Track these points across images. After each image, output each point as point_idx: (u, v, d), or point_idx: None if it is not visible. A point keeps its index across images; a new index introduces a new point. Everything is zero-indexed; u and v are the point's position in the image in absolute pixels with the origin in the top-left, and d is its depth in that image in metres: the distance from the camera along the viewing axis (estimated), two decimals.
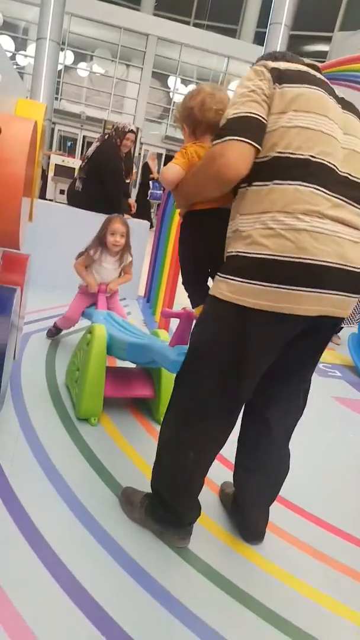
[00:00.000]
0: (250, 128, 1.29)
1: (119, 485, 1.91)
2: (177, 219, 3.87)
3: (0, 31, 15.27)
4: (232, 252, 1.36)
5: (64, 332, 3.36)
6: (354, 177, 1.32)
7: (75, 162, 9.96)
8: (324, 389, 3.67)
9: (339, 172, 1.29)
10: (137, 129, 5.89)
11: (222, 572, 1.61)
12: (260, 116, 1.30)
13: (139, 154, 16.53)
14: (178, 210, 1.70)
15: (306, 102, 1.29)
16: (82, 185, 4.44)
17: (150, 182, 9.67)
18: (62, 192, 8.46)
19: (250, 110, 1.29)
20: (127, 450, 2.21)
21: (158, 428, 2.37)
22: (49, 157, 10.39)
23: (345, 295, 1.32)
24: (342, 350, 4.69)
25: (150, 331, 2.59)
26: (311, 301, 1.28)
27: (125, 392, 2.52)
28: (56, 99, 15.66)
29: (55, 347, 3.23)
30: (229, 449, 1.67)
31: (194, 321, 1.66)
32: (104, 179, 4.29)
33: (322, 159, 1.27)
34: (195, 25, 19.47)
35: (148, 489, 1.73)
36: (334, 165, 1.29)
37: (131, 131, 4.42)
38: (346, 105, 1.41)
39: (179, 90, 18.51)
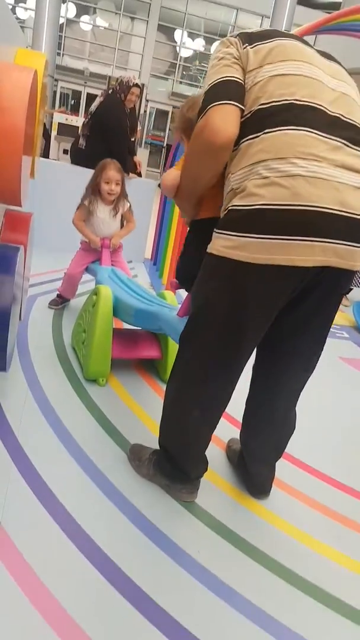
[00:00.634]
0: (227, 90, 1.27)
1: (127, 443, 1.93)
2: None
3: None
4: (227, 208, 1.31)
5: None
6: (347, 118, 1.26)
7: (79, 120, 9.73)
8: (331, 349, 3.64)
9: (329, 113, 1.24)
10: (143, 84, 5.72)
11: (228, 525, 1.64)
12: (234, 77, 1.29)
13: (145, 111, 16.13)
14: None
15: (282, 52, 1.28)
16: (86, 142, 4.34)
17: None
18: (65, 151, 8.29)
19: (223, 75, 1.29)
20: (135, 409, 2.22)
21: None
22: (51, 116, 10.15)
23: (350, 245, 1.24)
24: (351, 312, 4.65)
25: (157, 293, 2.57)
26: (311, 251, 1.21)
27: (132, 354, 2.52)
28: (58, 54, 15.19)
29: (62, 309, 3.22)
30: (236, 407, 1.67)
31: None
32: (108, 136, 4.17)
33: (307, 101, 1.22)
34: None
35: (156, 446, 1.75)
36: (322, 107, 1.23)
37: (136, 85, 4.28)
38: (329, 56, 1.40)
39: (186, 45, 17.89)
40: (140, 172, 5.04)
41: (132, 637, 1.21)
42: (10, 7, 15.81)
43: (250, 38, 1.33)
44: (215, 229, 1.36)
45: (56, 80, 15.01)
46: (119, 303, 2.34)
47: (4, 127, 1.58)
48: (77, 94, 16.60)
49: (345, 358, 3.53)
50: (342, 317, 4.58)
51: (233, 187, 1.30)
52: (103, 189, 2.82)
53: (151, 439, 1.88)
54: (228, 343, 1.42)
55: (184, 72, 18.25)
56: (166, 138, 17.04)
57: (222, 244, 1.31)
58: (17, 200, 1.81)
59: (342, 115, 1.25)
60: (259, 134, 1.24)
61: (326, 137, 1.21)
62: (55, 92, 15.50)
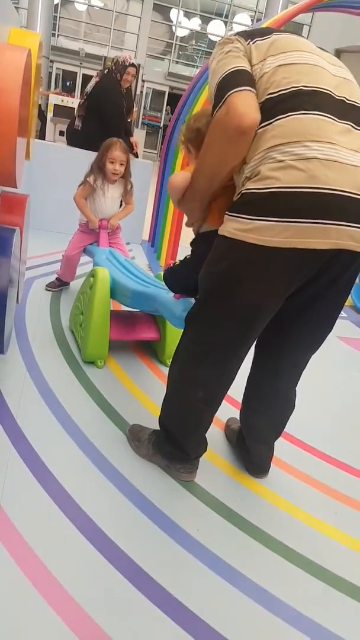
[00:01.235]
0: (242, 78, 1.27)
1: (126, 424, 1.94)
2: (181, 158, 3.75)
3: None
4: (241, 191, 1.30)
5: None
6: (351, 100, 1.28)
7: (75, 102, 9.60)
8: None
9: (335, 97, 1.25)
10: (139, 65, 5.63)
11: (227, 503, 1.66)
12: (245, 67, 1.30)
13: (141, 92, 15.93)
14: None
15: (282, 44, 1.32)
16: (82, 123, 4.29)
17: None
18: (61, 133, 8.19)
19: (235, 65, 1.29)
20: (134, 391, 2.23)
21: (164, 369, 2.39)
22: (47, 98, 10.01)
23: None
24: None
25: (155, 274, 2.56)
26: (327, 234, 1.20)
27: (130, 335, 2.52)
28: (53, 35, 14.95)
29: (59, 292, 3.21)
30: (235, 387, 1.67)
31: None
32: (104, 116, 4.13)
33: (314, 86, 1.24)
34: None
35: (155, 427, 1.75)
36: (329, 91, 1.25)
37: (132, 65, 4.22)
38: (321, 48, 1.43)
39: (182, 24, 17.59)
40: (136, 152, 5.00)
41: (132, 615, 1.23)
42: None
43: (250, 35, 1.37)
44: (227, 212, 1.34)
45: (51, 61, 14.78)
46: (116, 285, 2.34)
47: None
48: (72, 75, 16.37)
49: (343, 337, 3.54)
50: None
51: (247, 175, 1.29)
52: (107, 168, 2.79)
53: (150, 420, 1.89)
54: (237, 325, 1.42)
55: (180, 52, 17.96)
56: (162, 119, 16.85)
57: (234, 226, 1.29)
58: (12, 181, 1.79)
59: (346, 98, 1.27)
60: (270, 122, 1.24)
61: (336, 120, 1.21)
62: (50, 74, 15.28)
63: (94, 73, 4.64)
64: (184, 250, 1.80)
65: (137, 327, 2.52)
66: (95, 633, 1.16)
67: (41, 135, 8.69)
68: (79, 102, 4.41)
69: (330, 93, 1.25)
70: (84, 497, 1.54)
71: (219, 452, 1.90)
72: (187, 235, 1.81)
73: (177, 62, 17.82)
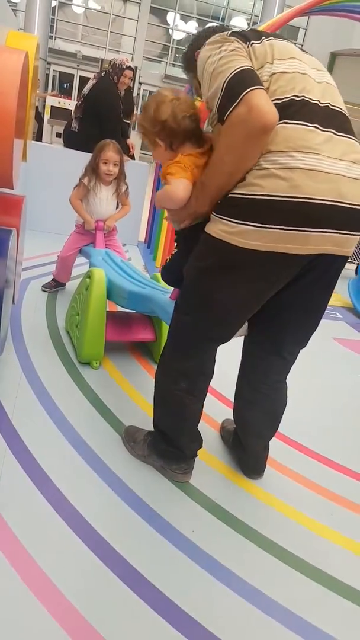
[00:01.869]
0: (255, 78, 1.25)
1: (122, 425, 1.94)
2: None
3: None
4: (227, 194, 1.33)
5: None
6: (334, 106, 1.32)
7: (72, 104, 9.61)
8: (325, 330, 3.65)
9: (321, 105, 1.29)
10: (135, 67, 5.65)
11: (223, 505, 1.66)
12: (255, 69, 1.29)
13: (138, 94, 15.95)
14: None
15: (277, 51, 1.33)
16: (79, 125, 4.30)
17: None
18: (58, 135, 8.21)
19: (246, 65, 1.27)
20: (130, 392, 2.23)
21: None
22: (44, 100, 10.03)
23: (347, 234, 1.29)
24: (344, 293, 4.68)
25: (151, 275, 2.56)
26: (309, 240, 1.25)
27: (126, 336, 2.52)
28: (50, 37, 14.95)
29: (55, 292, 3.21)
30: (229, 387, 1.68)
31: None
32: (101, 118, 4.14)
33: (304, 96, 1.27)
34: None
35: (151, 428, 1.76)
36: (315, 100, 1.28)
37: (129, 68, 4.23)
38: (301, 48, 1.44)
39: (179, 27, 17.64)
40: (133, 154, 5.01)
41: (127, 617, 1.22)
42: None
43: (245, 37, 1.35)
44: (213, 212, 1.37)
45: (49, 63, 14.79)
46: (112, 286, 2.34)
47: None
48: (69, 77, 16.38)
49: (339, 338, 3.56)
50: (335, 297, 4.60)
51: None
52: (101, 169, 2.81)
53: (145, 421, 1.89)
54: (215, 320, 1.48)
55: (177, 55, 17.98)
56: None
57: (221, 227, 1.33)
58: (9, 182, 1.80)
59: (330, 104, 1.31)
60: None
61: (320, 129, 1.24)
62: (47, 76, 15.28)
63: (91, 75, 4.65)
64: None
65: (133, 328, 2.52)
66: (88, 633, 1.15)
67: (37, 137, 8.69)
68: (76, 104, 4.42)
69: (316, 102, 1.28)
70: (79, 498, 1.54)
71: (214, 453, 1.91)
72: None
73: (173, 65, 17.84)
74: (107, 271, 2.42)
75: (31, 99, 2.19)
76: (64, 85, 16.49)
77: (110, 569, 1.33)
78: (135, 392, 2.23)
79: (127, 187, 2.98)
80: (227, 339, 1.55)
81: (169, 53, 17.85)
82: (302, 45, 16.27)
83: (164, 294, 2.09)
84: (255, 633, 1.26)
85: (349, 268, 4.60)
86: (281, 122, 1.22)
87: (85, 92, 4.21)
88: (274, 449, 1.83)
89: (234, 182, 1.32)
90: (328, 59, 16.40)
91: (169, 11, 17.42)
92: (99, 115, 4.15)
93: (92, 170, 2.84)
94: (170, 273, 1.72)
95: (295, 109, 1.24)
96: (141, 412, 2.07)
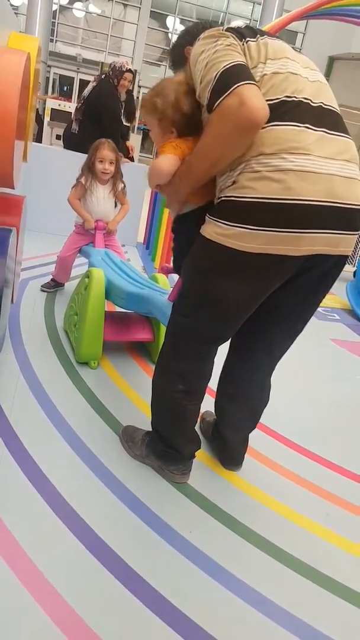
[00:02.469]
0: (247, 73, 1.25)
1: (120, 425, 1.94)
2: None
3: None
4: (221, 197, 1.33)
5: None
6: (327, 105, 1.31)
7: (72, 106, 9.64)
8: (322, 331, 3.70)
9: (313, 104, 1.28)
10: (135, 71, 5.65)
11: (221, 505, 1.66)
12: (249, 66, 1.28)
13: (137, 97, 15.98)
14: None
15: (271, 50, 1.32)
16: (79, 126, 4.32)
17: None
18: (58, 137, 8.22)
19: (238, 60, 1.26)
20: (128, 392, 2.23)
21: None
22: (44, 102, 10.05)
23: (340, 233, 1.29)
24: (342, 294, 4.70)
25: (150, 276, 2.58)
26: (302, 242, 1.26)
27: (124, 336, 2.53)
28: (51, 40, 15.00)
29: (54, 292, 3.22)
30: (213, 378, 1.69)
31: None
32: (101, 120, 4.16)
33: (296, 96, 1.26)
34: None
35: (149, 428, 1.76)
36: (308, 100, 1.28)
37: (129, 70, 4.25)
38: (295, 49, 1.43)
39: (178, 31, 17.69)
40: (132, 156, 5.02)
41: (124, 617, 1.23)
42: None
43: (240, 34, 1.34)
44: (208, 214, 1.38)
45: (49, 66, 14.83)
46: (111, 286, 2.35)
47: None
48: (69, 80, 16.42)
49: (336, 340, 3.58)
50: (333, 299, 4.63)
51: (227, 184, 1.31)
52: (97, 168, 2.83)
53: (143, 421, 1.90)
54: (213, 321, 1.48)
55: None
56: None
57: (215, 230, 1.33)
58: (10, 182, 1.81)
59: (323, 104, 1.30)
60: None
61: (312, 129, 1.24)
62: (48, 79, 15.33)
63: (91, 78, 4.67)
64: None
65: (131, 328, 2.53)
66: (84, 633, 1.16)
67: (37, 138, 8.71)
68: (76, 106, 4.44)
69: (309, 102, 1.27)
70: (76, 498, 1.54)
71: (211, 454, 1.91)
72: None
73: (173, 68, 17.89)
74: (106, 271, 2.43)
75: (32, 101, 2.20)
76: (64, 88, 16.52)
77: (108, 569, 1.33)
78: (133, 392, 2.24)
79: (124, 186, 2.99)
80: (225, 340, 1.56)
81: (169, 57, 17.88)
82: (300, 50, 16.37)
83: (162, 295, 2.10)
84: (251, 632, 1.26)
85: (347, 270, 4.62)
86: (271, 123, 1.22)
87: (85, 95, 4.23)
88: (272, 449, 1.84)
89: (218, 171, 1.33)
90: (326, 63, 16.46)
91: (168, 15, 17.49)
92: (99, 117, 4.17)
93: (89, 169, 2.86)
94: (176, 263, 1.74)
95: (285, 110, 1.24)
96: (139, 412, 2.08)
